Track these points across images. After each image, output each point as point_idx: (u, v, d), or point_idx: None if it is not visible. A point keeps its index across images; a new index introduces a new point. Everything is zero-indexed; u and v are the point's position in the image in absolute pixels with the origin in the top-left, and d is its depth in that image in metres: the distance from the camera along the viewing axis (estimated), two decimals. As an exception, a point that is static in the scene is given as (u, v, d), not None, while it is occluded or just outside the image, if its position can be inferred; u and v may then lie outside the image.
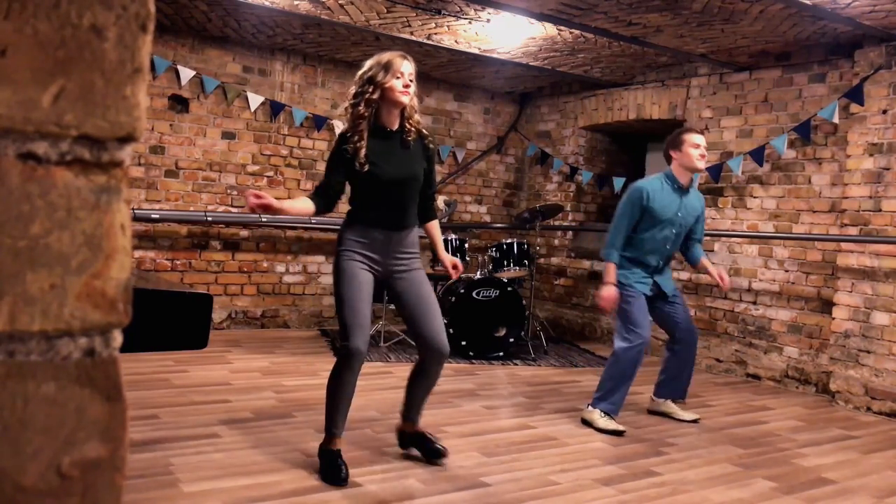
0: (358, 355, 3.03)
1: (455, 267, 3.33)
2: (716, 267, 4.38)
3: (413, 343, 3.25)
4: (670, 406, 4.37)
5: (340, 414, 3.09)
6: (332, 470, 3.01)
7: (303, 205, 3.04)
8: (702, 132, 4.22)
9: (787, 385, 5.46)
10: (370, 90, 2.98)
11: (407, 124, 3.09)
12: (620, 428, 3.97)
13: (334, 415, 3.09)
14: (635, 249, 4.10)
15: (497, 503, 2.92)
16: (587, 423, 4.08)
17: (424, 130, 3.18)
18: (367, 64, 3.04)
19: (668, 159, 4.14)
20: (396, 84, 2.96)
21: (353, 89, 3.05)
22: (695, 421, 4.29)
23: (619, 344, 4.05)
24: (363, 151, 2.98)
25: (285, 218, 6.54)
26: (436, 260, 3.56)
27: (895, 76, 4.80)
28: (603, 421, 4.01)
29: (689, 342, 4.25)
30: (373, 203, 3.07)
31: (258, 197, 2.77)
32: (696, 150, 4.03)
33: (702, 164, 4.09)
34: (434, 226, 3.36)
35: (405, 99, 3.00)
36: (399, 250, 3.14)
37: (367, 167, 2.99)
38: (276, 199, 2.89)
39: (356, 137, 3.00)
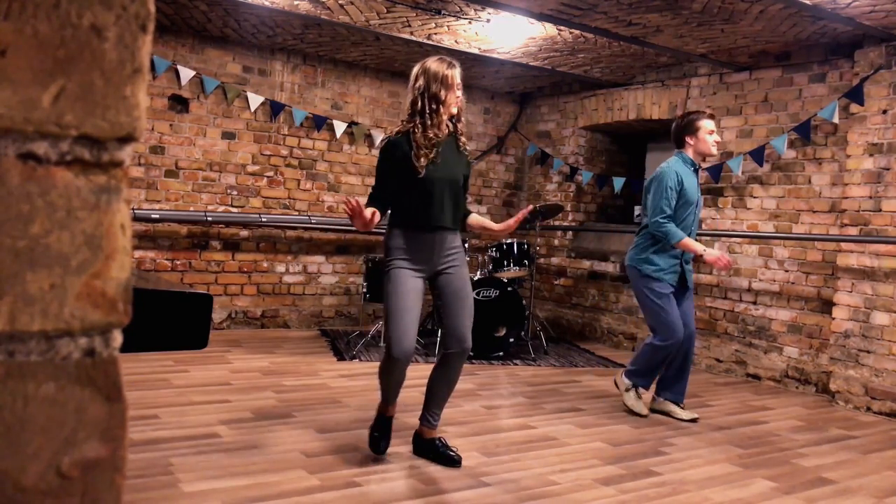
0: (399, 363, 3.19)
1: (517, 220, 3.38)
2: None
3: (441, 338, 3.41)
4: (670, 405, 4.38)
5: (391, 393, 3.35)
6: (375, 436, 3.36)
7: (373, 211, 3.15)
8: (713, 116, 4.24)
9: (787, 385, 5.46)
10: (437, 108, 3.16)
11: (457, 128, 3.30)
12: (644, 412, 4.23)
13: (386, 392, 3.36)
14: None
15: (497, 503, 2.92)
16: (617, 386, 4.39)
17: (463, 137, 3.36)
18: (422, 76, 3.17)
19: (681, 143, 4.18)
20: (451, 98, 3.18)
21: (413, 102, 3.19)
22: (693, 420, 4.30)
23: (654, 341, 4.21)
24: (424, 160, 3.14)
25: (285, 218, 6.55)
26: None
27: (895, 76, 4.80)
28: (632, 399, 4.30)
29: (690, 341, 4.30)
30: (424, 206, 3.19)
31: (355, 206, 2.96)
32: (711, 136, 4.14)
33: (716, 150, 4.22)
34: (475, 217, 3.53)
35: (455, 110, 3.22)
36: (446, 250, 3.28)
37: (425, 170, 3.14)
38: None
39: (409, 144, 3.15)
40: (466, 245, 6.08)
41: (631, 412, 4.31)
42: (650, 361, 4.28)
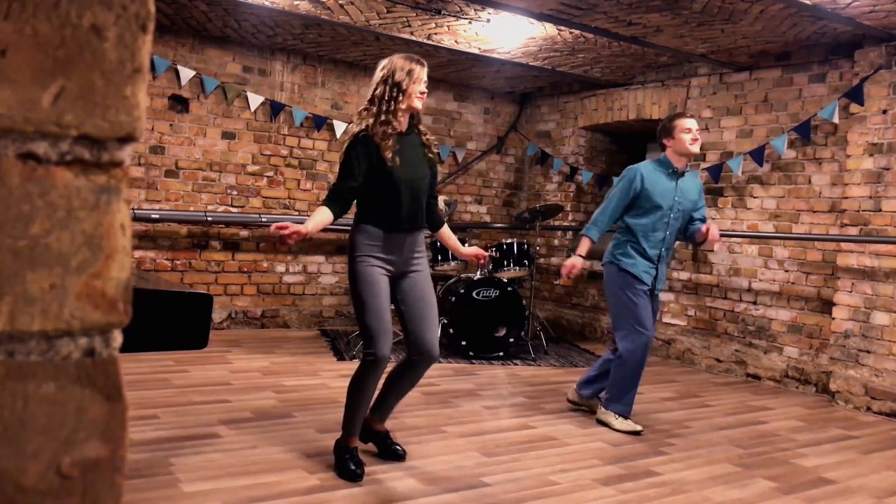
0: (384, 362, 3.10)
1: (478, 257, 3.47)
2: (712, 223, 4.26)
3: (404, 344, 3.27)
4: (594, 402, 4.31)
5: (360, 414, 3.18)
6: (349, 466, 3.08)
7: (322, 217, 3.05)
8: (692, 116, 4.17)
9: (787, 385, 5.46)
10: (397, 96, 3.06)
11: (417, 128, 3.21)
12: (637, 428, 4.01)
13: (354, 415, 3.17)
14: (637, 237, 4.04)
15: (497, 503, 2.92)
16: (603, 423, 4.10)
17: (429, 136, 3.28)
18: (388, 67, 3.09)
19: (663, 147, 4.12)
20: (416, 90, 3.08)
21: (375, 91, 3.10)
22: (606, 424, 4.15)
23: (624, 346, 4.02)
24: (389, 153, 3.05)
25: (285, 218, 6.55)
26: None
27: (895, 76, 4.80)
28: (619, 422, 4.04)
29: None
30: (392, 204, 3.10)
31: (282, 228, 2.87)
32: (687, 134, 4.00)
33: (695, 148, 4.03)
34: (446, 230, 3.47)
35: (419, 105, 3.12)
36: (413, 250, 3.19)
37: (392, 166, 3.04)
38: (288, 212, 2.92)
39: (378, 139, 3.05)
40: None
41: (628, 433, 4.01)
42: (624, 378, 4.04)
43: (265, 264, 6.56)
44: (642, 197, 4.01)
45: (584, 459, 3.50)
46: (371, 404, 3.27)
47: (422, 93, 3.10)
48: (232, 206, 6.39)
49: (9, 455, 0.56)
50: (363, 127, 3.09)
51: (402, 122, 3.13)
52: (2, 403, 0.55)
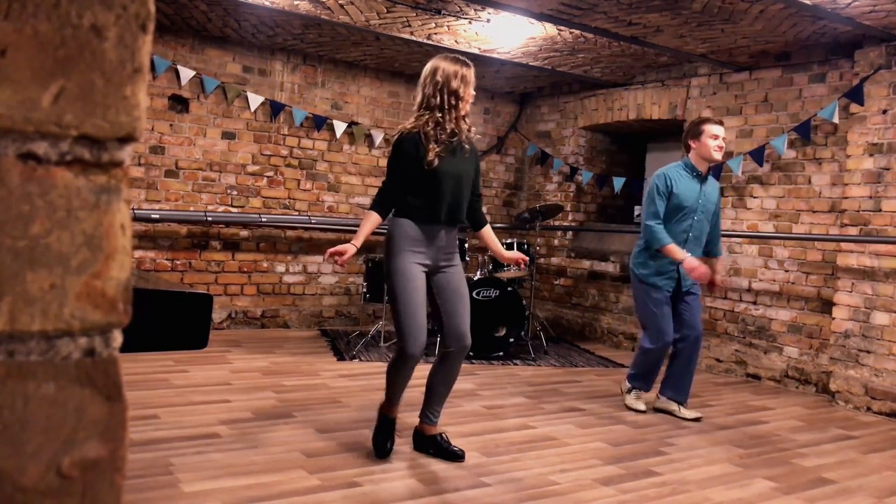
0: (414, 360, 3.22)
1: (518, 261, 3.58)
2: (721, 273, 4.46)
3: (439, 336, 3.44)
4: (672, 405, 4.40)
5: (398, 389, 3.36)
6: (380, 439, 3.34)
7: (372, 224, 3.20)
8: (721, 122, 4.25)
9: (787, 385, 5.46)
10: (456, 104, 3.18)
11: (464, 125, 3.29)
12: (641, 407, 4.41)
13: (392, 390, 3.36)
14: None
15: (497, 503, 2.92)
16: (622, 390, 4.56)
17: (472, 131, 3.37)
18: (441, 74, 3.17)
19: (687, 148, 4.26)
20: (468, 95, 3.22)
21: (431, 98, 3.18)
22: (697, 419, 4.31)
23: (646, 344, 4.33)
24: (434, 151, 3.15)
25: (285, 218, 6.56)
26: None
27: (895, 76, 4.80)
28: (631, 399, 4.47)
29: (691, 342, 4.29)
30: (434, 197, 3.19)
31: (340, 254, 3.11)
32: (714, 140, 4.15)
33: (718, 156, 4.20)
34: (488, 230, 3.57)
35: (469, 108, 3.26)
36: (450, 246, 3.30)
37: (437, 162, 3.14)
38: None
39: (424, 138, 3.15)
40: (466, 245, 6.08)
41: (629, 409, 4.45)
42: (644, 364, 4.41)
43: (265, 264, 6.56)
44: (672, 200, 4.11)
45: (584, 459, 3.50)
46: (421, 409, 3.44)
47: (472, 95, 3.24)
48: (232, 206, 6.39)
49: (9, 455, 0.56)
50: (410, 127, 3.19)
51: (461, 125, 3.24)
52: (2, 403, 0.55)
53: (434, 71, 3.19)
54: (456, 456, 3.34)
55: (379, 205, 3.23)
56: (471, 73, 3.21)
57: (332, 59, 6.73)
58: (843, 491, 3.27)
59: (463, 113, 3.22)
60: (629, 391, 4.50)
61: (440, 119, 3.17)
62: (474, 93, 3.26)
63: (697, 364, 4.51)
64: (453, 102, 3.18)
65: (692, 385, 4.46)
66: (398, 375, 3.29)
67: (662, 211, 4.14)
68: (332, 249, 3.14)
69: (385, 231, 3.31)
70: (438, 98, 3.17)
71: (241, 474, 3.02)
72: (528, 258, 3.62)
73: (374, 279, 5.82)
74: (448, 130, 3.19)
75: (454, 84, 3.16)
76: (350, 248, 3.13)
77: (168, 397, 4.11)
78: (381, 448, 3.33)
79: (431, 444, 3.39)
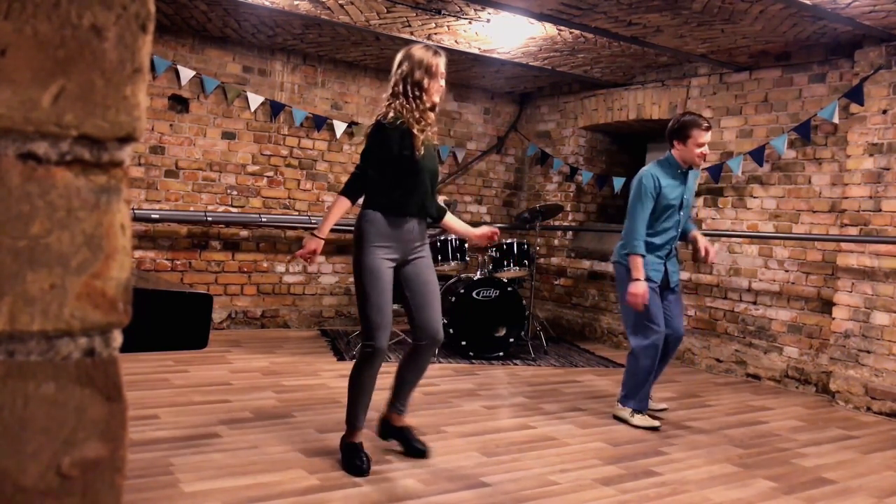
0: (382, 354, 3.15)
1: (490, 237, 3.46)
2: (704, 239, 4.30)
3: (409, 329, 3.36)
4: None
5: (361, 408, 3.22)
6: (354, 462, 3.13)
7: (340, 209, 3.17)
8: (709, 128, 4.10)
9: (787, 385, 5.46)
10: (420, 95, 3.11)
11: (431, 116, 3.23)
12: (655, 424, 4.10)
13: (356, 409, 3.22)
14: (649, 237, 4.09)
15: (497, 503, 2.92)
16: (620, 419, 4.19)
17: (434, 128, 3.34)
18: (407, 60, 3.13)
19: (671, 144, 4.13)
20: (434, 87, 3.15)
21: (396, 86, 3.14)
22: (663, 409, 4.39)
23: (635, 342, 4.09)
24: (420, 144, 3.11)
25: (285, 218, 6.55)
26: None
27: (895, 76, 4.80)
28: (636, 419, 4.14)
29: (672, 343, 4.19)
30: (407, 192, 3.16)
31: (312, 253, 3.14)
32: (699, 148, 4.05)
33: (701, 162, 4.13)
34: (450, 217, 3.47)
35: (437, 99, 3.18)
36: (419, 238, 3.25)
37: (413, 155, 3.10)
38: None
39: (400, 129, 3.10)
40: (466, 245, 6.08)
41: (646, 429, 4.07)
42: (637, 374, 4.11)
43: (265, 264, 6.56)
44: (659, 200, 4.06)
45: (584, 459, 3.50)
46: (389, 398, 3.37)
47: (440, 86, 3.16)
48: (232, 206, 6.39)
49: (9, 455, 0.56)
50: (392, 117, 3.13)
51: (428, 116, 3.17)
52: (2, 403, 0.55)
53: (402, 60, 3.14)
54: (420, 452, 3.31)
55: (350, 191, 3.18)
56: (438, 63, 3.12)
57: (332, 59, 6.73)
58: (843, 491, 3.27)
59: (429, 105, 3.14)
60: (632, 415, 4.16)
61: (410, 108, 3.10)
62: (443, 83, 3.17)
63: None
64: (416, 93, 3.10)
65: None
66: (365, 377, 3.17)
67: (647, 217, 4.03)
68: (299, 252, 3.15)
69: (353, 225, 3.26)
70: (401, 86, 3.12)
71: (241, 474, 3.02)
72: (498, 231, 3.51)
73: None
74: (424, 122, 3.13)
75: (417, 75, 3.10)
76: (317, 243, 3.13)
77: (168, 397, 4.11)
78: (359, 470, 3.10)
79: (398, 436, 3.37)
